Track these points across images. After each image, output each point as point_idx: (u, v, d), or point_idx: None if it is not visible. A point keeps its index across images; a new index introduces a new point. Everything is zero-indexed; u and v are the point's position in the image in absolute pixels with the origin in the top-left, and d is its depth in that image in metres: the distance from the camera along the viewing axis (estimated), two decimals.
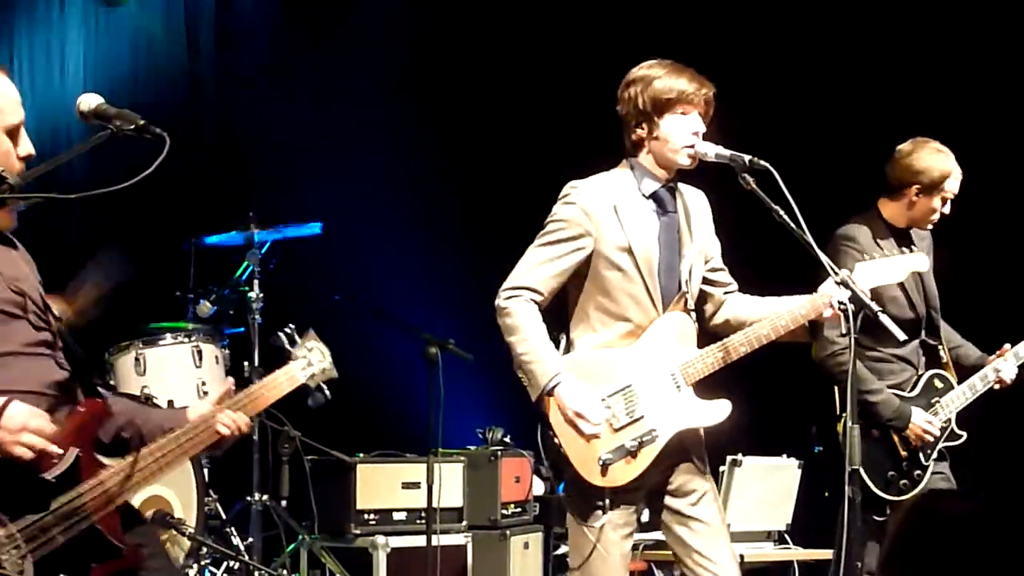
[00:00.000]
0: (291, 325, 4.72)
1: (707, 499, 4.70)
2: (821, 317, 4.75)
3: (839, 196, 6.11)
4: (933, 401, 5.69)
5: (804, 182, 4.63)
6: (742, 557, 6.60)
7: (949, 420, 5.71)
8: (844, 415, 5.64)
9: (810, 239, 4.59)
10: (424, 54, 8.80)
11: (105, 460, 3.81)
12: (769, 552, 6.82)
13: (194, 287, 7.26)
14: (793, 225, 4.54)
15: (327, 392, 4.68)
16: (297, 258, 7.58)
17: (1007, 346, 5.82)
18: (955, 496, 2.64)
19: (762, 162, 4.55)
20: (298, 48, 8.54)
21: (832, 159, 7.99)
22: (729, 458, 6.71)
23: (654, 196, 4.69)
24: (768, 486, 6.81)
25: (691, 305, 4.71)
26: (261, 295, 7.17)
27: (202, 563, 6.48)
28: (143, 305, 7.27)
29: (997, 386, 5.81)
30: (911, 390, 5.70)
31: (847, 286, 4.63)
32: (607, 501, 4.54)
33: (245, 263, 7.21)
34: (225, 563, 6.76)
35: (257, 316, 7.17)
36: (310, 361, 4.45)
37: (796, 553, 6.80)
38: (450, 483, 7.13)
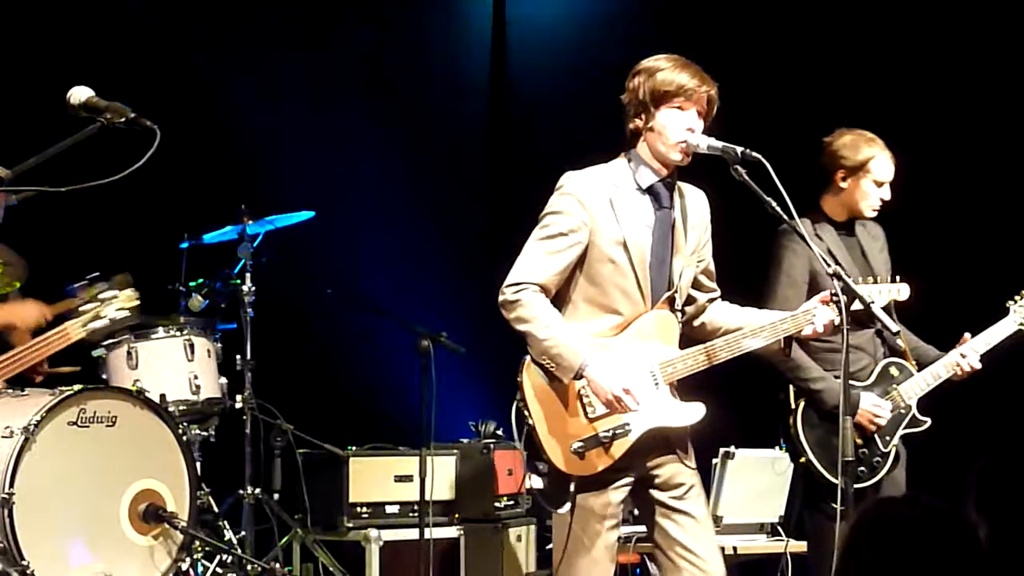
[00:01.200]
0: (95, 274, 4.65)
1: (693, 492, 4.71)
2: (800, 333, 4.76)
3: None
4: (890, 389, 5.71)
5: (797, 174, 4.63)
6: (735, 549, 6.62)
7: (910, 407, 5.72)
8: (797, 409, 5.68)
9: (803, 231, 4.59)
10: (415, 40, 8.79)
11: None
12: (762, 544, 6.82)
13: (186, 281, 7.24)
14: (786, 217, 4.54)
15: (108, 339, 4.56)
16: (289, 252, 7.57)
17: (967, 335, 5.81)
18: (900, 502, 2.66)
19: (754, 154, 4.55)
20: (289, 38, 8.52)
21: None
22: (722, 450, 6.70)
23: (650, 189, 4.69)
24: (761, 478, 6.80)
25: (678, 305, 4.72)
26: (253, 289, 7.16)
27: (195, 557, 6.47)
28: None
29: (959, 370, 5.79)
30: (867, 379, 5.71)
31: (840, 278, 4.64)
32: (573, 488, 4.54)
33: (237, 256, 7.19)
34: (218, 557, 6.75)
35: (249, 310, 7.15)
36: (98, 313, 4.34)
37: (788, 545, 6.79)
38: (443, 476, 7.13)
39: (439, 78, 9.05)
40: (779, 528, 6.85)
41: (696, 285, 4.83)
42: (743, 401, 6.31)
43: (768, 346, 4.79)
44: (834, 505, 5.48)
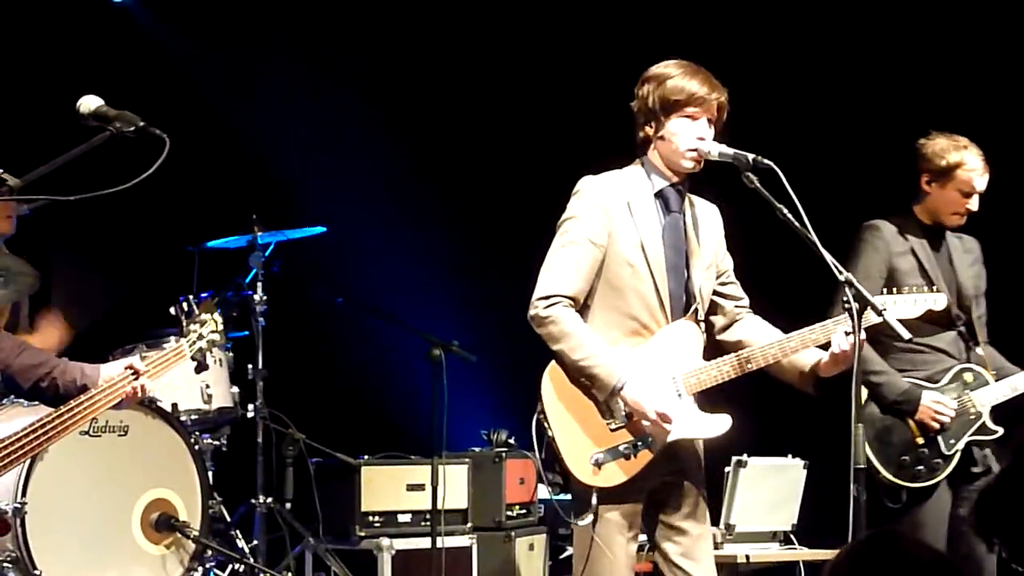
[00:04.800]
0: (188, 296, 4.99)
1: (697, 513, 4.69)
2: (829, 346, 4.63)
3: (847, 196, 6.08)
4: (962, 394, 5.62)
5: (810, 182, 4.61)
6: (747, 558, 6.61)
7: (980, 414, 5.63)
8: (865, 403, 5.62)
9: (814, 238, 4.56)
10: (427, 52, 8.79)
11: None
12: (774, 552, 6.81)
13: (197, 290, 7.24)
14: (797, 224, 4.51)
15: (207, 361, 5.01)
16: (301, 261, 7.57)
17: None
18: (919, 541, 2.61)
19: (765, 160, 4.52)
20: (299, 47, 8.53)
21: (839, 159, 7.97)
22: (734, 458, 6.69)
23: (660, 195, 4.68)
24: (773, 486, 6.79)
25: (700, 316, 4.69)
26: (265, 298, 7.16)
27: (207, 566, 6.47)
28: (147, 308, 7.27)
29: None
30: (940, 381, 5.64)
31: (851, 285, 4.60)
32: (594, 501, 4.51)
33: (249, 265, 7.19)
34: (230, 566, 6.75)
35: (261, 319, 7.15)
36: (200, 334, 4.82)
37: (802, 553, 6.78)
38: (455, 485, 7.12)
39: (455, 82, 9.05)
40: (792, 536, 6.84)
41: (721, 295, 4.81)
42: (756, 409, 6.28)
43: (801, 376, 4.71)
44: (888, 502, 5.48)
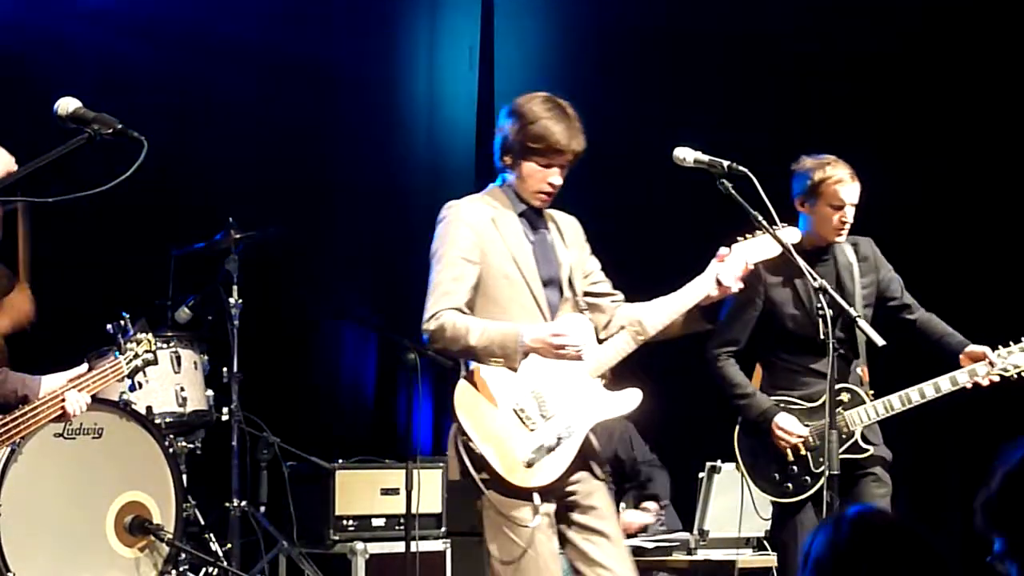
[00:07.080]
0: (125, 314, 5.10)
1: (609, 513, 4.76)
2: (710, 298, 4.73)
3: None
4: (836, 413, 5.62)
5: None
6: (721, 563, 6.61)
7: (852, 433, 5.62)
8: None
9: (788, 244, 4.59)
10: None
11: None
12: (748, 558, 6.82)
13: (173, 294, 7.24)
14: (771, 230, 4.54)
15: (142, 381, 5.20)
16: (274, 264, 7.56)
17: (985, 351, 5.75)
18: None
19: (741, 167, 4.55)
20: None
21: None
22: (708, 464, 6.71)
23: (523, 215, 4.81)
24: (747, 492, 6.80)
25: (582, 306, 4.80)
26: (240, 301, 7.15)
27: (180, 569, 6.47)
28: (122, 311, 7.25)
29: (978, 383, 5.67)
30: (816, 401, 5.65)
31: (825, 292, 4.62)
32: (538, 501, 4.55)
33: (224, 269, 7.18)
34: (204, 569, 6.74)
35: (236, 322, 7.15)
36: (136, 353, 4.98)
37: (775, 559, 6.79)
38: (429, 489, 7.13)
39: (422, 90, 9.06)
40: (765, 542, 6.85)
41: (595, 294, 4.90)
42: (729, 416, 6.31)
43: (688, 323, 4.78)
44: (760, 515, 5.57)
